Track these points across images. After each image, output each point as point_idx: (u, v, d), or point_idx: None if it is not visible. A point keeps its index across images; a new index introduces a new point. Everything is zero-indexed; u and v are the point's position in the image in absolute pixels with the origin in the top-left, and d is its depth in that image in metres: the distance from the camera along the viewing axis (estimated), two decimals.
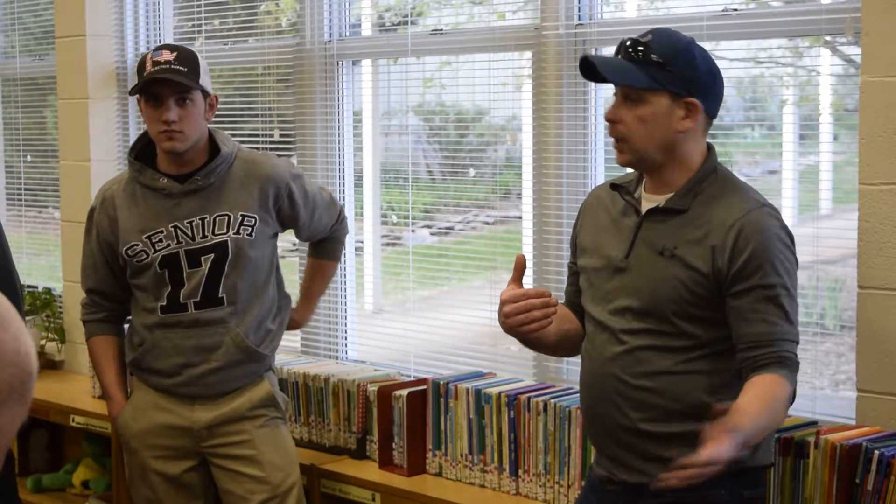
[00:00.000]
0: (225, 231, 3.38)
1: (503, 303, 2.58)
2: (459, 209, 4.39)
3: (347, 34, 4.39)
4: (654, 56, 2.51)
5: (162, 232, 3.38)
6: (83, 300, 3.56)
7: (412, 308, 4.28)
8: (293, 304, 3.66)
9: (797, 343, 2.50)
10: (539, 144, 3.77)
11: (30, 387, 1.23)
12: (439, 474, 3.62)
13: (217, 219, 3.38)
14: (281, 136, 4.63)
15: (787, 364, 2.45)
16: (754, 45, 3.52)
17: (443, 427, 3.61)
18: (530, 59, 3.82)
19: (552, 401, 3.36)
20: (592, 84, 3.63)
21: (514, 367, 3.88)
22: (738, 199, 2.55)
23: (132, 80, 4.89)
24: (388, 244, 4.51)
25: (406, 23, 4.31)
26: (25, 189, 5.71)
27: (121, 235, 3.42)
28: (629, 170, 2.76)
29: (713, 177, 2.59)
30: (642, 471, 2.60)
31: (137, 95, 3.37)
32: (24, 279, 5.20)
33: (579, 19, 3.68)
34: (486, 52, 3.98)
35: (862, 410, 3.03)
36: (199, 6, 4.86)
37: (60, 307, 5.24)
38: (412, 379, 3.92)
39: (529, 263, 3.68)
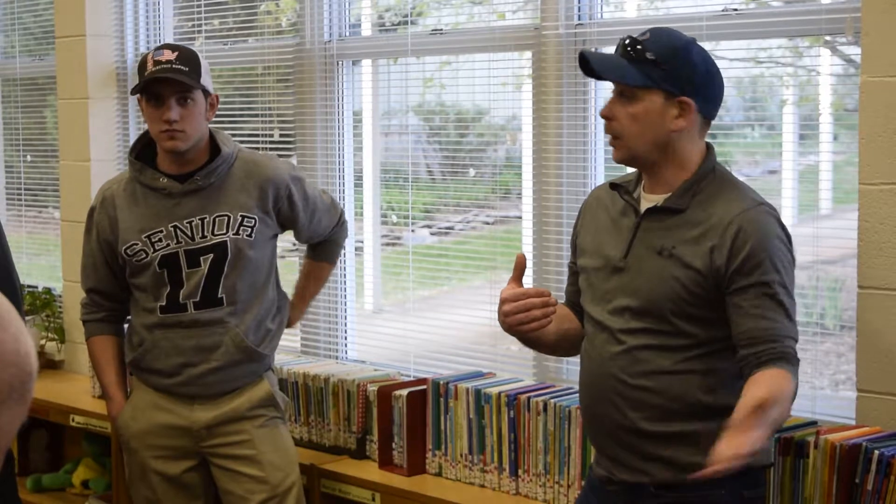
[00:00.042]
0: (224, 231, 3.38)
1: (503, 301, 2.59)
2: (459, 209, 4.39)
3: (347, 34, 4.39)
4: (649, 54, 2.52)
5: (161, 231, 3.38)
6: (83, 300, 3.56)
7: (412, 308, 4.28)
8: None
9: (797, 340, 2.50)
10: (539, 144, 3.77)
11: (30, 387, 1.23)
12: (439, 474, 3.63)
13: (217, 219, 3.38)
14: (281, 136, 4.63)
15: (790, 360, 2.45)
16: (754, 45, 3.52)
17: (443, 427, 3.61)
18: (530, 59, 3.82)
19: (552, 401, 3.36)
20: (592, 84, 3.64)
21: (514, 367, 3.88)
22: (736, 198, 2.55)
23: (132, 80, 4.89)
24: (388, 244, 4.51)
25: (406, 23, 4.31)
26: (25, 189, 5.71)
27: (120, 235, 3.42)
28: (629, 170, 2.76)
29: (712, 176, 2.59)
30: (642, 470, 2.60)
31: (138, 95, 3.37)
32: (24, 279, 5.21)
33: (579, 19, 3.68)
34: (486, 52, 3.98)
35: (862, 410, 3.03)
36: (199, 6, 4.86)
37: (60, 307, 5.24)
38: (412, 379, 3.92)
39: (529, 263, 3.68)
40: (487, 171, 4.25)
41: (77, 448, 4.91)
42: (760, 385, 2.37)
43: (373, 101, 4.42)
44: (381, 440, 3.72)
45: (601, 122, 2.65)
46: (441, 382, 3.62)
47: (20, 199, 5.73)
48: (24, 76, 5.64)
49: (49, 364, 5.14)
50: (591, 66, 2.58)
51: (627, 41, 2.56)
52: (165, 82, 3.30)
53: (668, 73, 2.51)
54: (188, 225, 3.38)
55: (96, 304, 3.52)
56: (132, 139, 4.82)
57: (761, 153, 3.71)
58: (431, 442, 3.64)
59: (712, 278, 2.50)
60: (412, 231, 4.40)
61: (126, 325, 3.54)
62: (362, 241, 4.42)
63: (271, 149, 4.57)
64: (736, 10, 3.34)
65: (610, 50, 2.69)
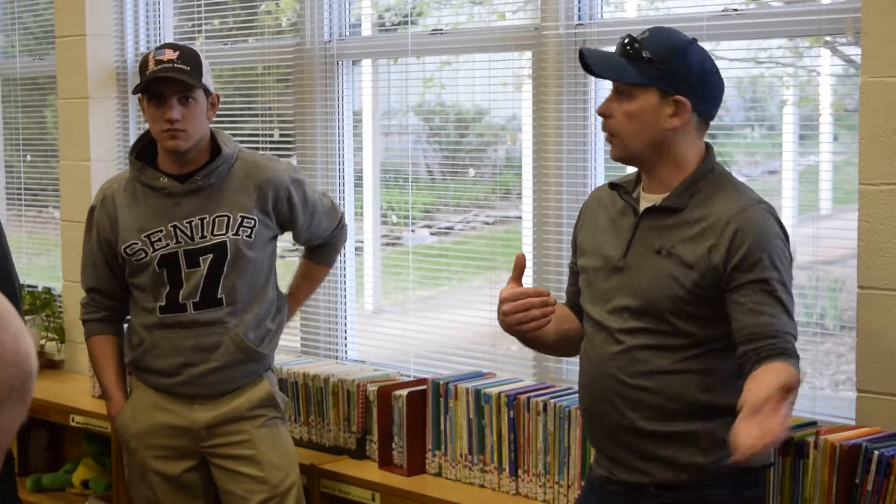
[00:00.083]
0: (224, 232, 3.38)
1: (502, 301, 2.59)
2: (459, 209, 4.39)
3: (347, 34, 4.39)
4: (645, 52, 2.53)
5: (161, 231, 3.38)
6: (83, 299, 3.56)
7: (412, 308, 4.28)
8: None
9: (797, 338, 2.49)
10: (539, 144, 3.77)
11: (30, 387, 1.23)
12: (439, 474, 3.62)
13: (216, 219, 3.38)
14: (281, 135, 4.63)
15: (791, 356, 2.45)
16: (754, 45, 3.52)
17: (442, 427, 3.61)
18: (530, 59, 3.82)
19: (552, 401, 3.36)
20: (592, 84, 3.64)
21: (514, 367, 3.88)
22: (734, 196, 2.55)
23: (132, 80, 4.90)
24: (388, 244, 4.51)
25: (406, 23, 4.31)
26: (25, 189, 5.71)
27: (120, 234, 3.42)
28: (630, 171, 2.77)
29: (711, 176, 2.59)
30: (641, 470, 2.60)
31: (139, 94, 3.37)
32: (24, 279, 5.21)
33: (579, 19, 3.68)
34: (486, 52, 3.98)
35: (862, 411, 3.03)
36: (199, 6, 4.86)
37: (60, 307, 5.24)
38: (412, 379, 3.92)
39: (529, 263, 3.68)
40: (487, 171, 4.25)
41: (77, 448, 4.91)
42: (771, 373, 2.33)
43: (373, 101, 4.42)
44: (381, 440, 3.72)
45: (601, 122, 2.65)
46: (441, 382, 3.62)
47: (20, 199, 5.73)
48: (24, 76, 5.64)
49: (49, 364, 5.14)
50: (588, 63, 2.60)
51: (626, 40, 2.57)
52: (167, 81, 3.30)
53: (663, 71, 2.52)
54: (188, 225, 3.38)
55: (96, 303, 3.52)
56: (132, 139, 4.82)
57: (761, 153, 3.71)
58: (431, 442, 3.64)
59: (711, 277, 2.50)
60: (412, 231, 4.40)
61: (126, 325, 3.55)
62: (362, 241, 4.42)
63: (271, 149, 4.57)
64: (736, 10, 3.34)
65: (610, 50, 2.69)
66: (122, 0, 5.00)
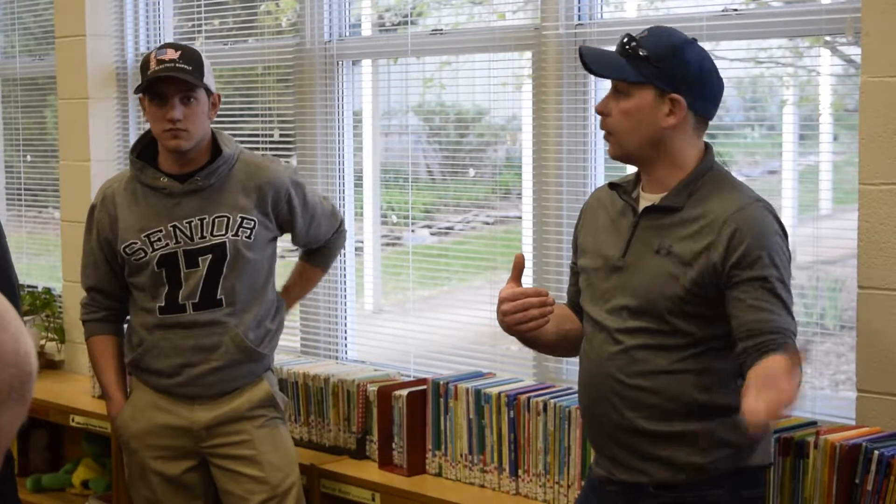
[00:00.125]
0: (224, 232, 3.38)
1: (501, 301, 2.59)
2: (459, 209, 4.39)
3: (347, 34, 4.39)
4: (642, 51, 2.53)
5: (161, 231, 3.38)
6: (83, 299, 3.56)
7: (412, 308, 4.28)
8: None
9: (796, 335, 2.49)
10: (539, 144, 3.77)
11: (29, 387, 1.23)
12: (439, 474, 3.62)
13: (216, 220, 3.38)
14: (281, 136, 4.63)
15: (792, 352, 2.44)
16: (754, 45, 3.52)
17: (443, 427, 3.61)
18: (530, 59, 3.82)
19: (552, 401, 3.36)
20: (592, 84, 3.64)
21: (514, 367, 3.87)
22: (732, 195, 2.56)
23: (132, 80, 4.90)
24: (388, 244, 4.51)
25: (406, 23, 4.31)
26: (25, 189, 5.71)
27: (120, 233, 3.42)
28: (630, 171, 2.77)
29: (709, 175, 2.59)
30: (641, 470, 2.60)
31: (140, 94, 3.37)
32: (24, 279, 5.21)
33: (579, 19, 3.68)
34: (486, 52, 3.98)
35: (862, 411, 3.03)
36: (199, 6, 4.86)
37: (60, 307, 5.24)
38: (412, 379, 3.92)
39: (529, 263, 3.68)
40: (487, 172, 4.25)
41: (77, 448, 4.91)
42: (776, 360, 2.31)
43: (373, 101, 4.42)
44: (381, 440, 3.72)
45: (600, 120, 2.66)
46: (441, 382, 3.62)
47: (20, 199, 5.73)
48: (24, 76, 5.64)
49: (49, 364, 5.14)
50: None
51: (625, 39, 2.57)
52: (169, 81, 3.30)
53: (660, 70, 2.52)
54: (187, 225, 3.38)
55: (96, 303, 3.52)
56: (132, 139, 4.82)
57: (761, 153, 3.71)
58: (431, 442, 3.64)
59: (709, 275, 2.50)
60: (412, 231, 4.40)
61: (126, 325, 3.54)
62: (362, 242, 4.42)
63: (271, 149, 4.57)
64: (736, 10, 3.34)
65: (610, 49, 2.70)
66: (122, 0, 5.00)
